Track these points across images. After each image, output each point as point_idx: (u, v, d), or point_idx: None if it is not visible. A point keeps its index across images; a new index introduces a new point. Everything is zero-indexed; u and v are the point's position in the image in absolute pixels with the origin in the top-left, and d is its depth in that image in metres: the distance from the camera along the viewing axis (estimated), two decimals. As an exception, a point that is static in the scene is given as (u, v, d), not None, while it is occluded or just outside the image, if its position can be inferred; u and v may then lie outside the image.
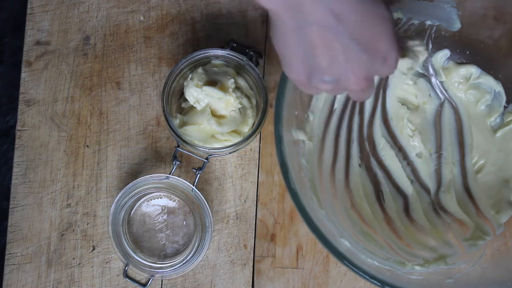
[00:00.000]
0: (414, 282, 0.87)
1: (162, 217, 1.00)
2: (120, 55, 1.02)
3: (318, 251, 0.99)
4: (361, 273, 0.79)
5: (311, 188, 0.89)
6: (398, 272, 0.87)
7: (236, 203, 1.00)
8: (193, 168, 0.99)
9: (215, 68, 0.97)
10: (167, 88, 0.95)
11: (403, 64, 0.87)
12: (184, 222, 0.99)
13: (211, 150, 0.95)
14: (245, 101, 0.96)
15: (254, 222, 1.00)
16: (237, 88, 0.96)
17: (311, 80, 0.73)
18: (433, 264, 0.90)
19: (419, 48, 0.85)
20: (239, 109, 0.95)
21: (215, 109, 0.95)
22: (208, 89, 0.93)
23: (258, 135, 1.01)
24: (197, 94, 0.94)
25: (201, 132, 0.95)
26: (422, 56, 0.86)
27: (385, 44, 0.72)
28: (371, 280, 0.79)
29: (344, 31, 0.69)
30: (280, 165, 0.80)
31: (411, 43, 0.85)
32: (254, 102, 0.97)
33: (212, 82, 0.95)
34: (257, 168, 1.01)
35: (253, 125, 0.97)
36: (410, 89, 0.98)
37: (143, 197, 0.99)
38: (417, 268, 0.89)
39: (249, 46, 0.99)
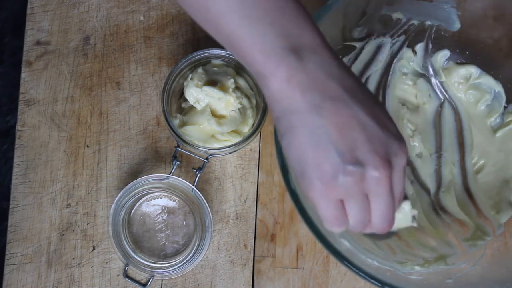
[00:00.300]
0: (414, 282, 0.87)
1: (162, 217, 1.00)
2: (120, 55, 1.02)
3: (318, 251, 0.99)
4: (360, 273, 0.79)
5: (310, 188, 0.89)
6: (398, 272, 0.87)
7: (236, 203, 1.00)
8: (193, 168, 0.99)
9: (215, 68, 0.97)
10: (167, 88, 0.95)
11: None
12: (184, 222, 0.99)
13: (211, 150, 0.95)
14: (245, 101, 0.96)
15: (254, 222, 1.00)
16: (237, 88, 0.96)
17: (337, 177, 0.68)
18: (433, 264, 0.90)
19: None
20: (239, 109, 0.95)
21: (215, 109, 0.95)
22: (208, 89, 0.93)
23: (258, 135, 1.01)
24: (197, 94, 0.94)
25: (201, 132, 0.95)
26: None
27: (393, 125, 0.71)
28: (371, 280, 0.79)
29: (358, 106, 0.68)
30: (280, 166, 0.80)
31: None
32: (254, 102, 0.97)
33: (212, 82, 0.95)
34: (257, 168, 1.01)
35: (253, 125, 0.97)
36: (410, 89, 0.98)
37: (143, 197, 0.99)
38: (417, 268, 0.89)
39: (249, 46, 0.99)
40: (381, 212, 0.71)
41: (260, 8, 0.68)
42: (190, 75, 0.95)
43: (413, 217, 0.79)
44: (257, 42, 0.69)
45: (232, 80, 0.95)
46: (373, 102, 0.70)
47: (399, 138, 0.70)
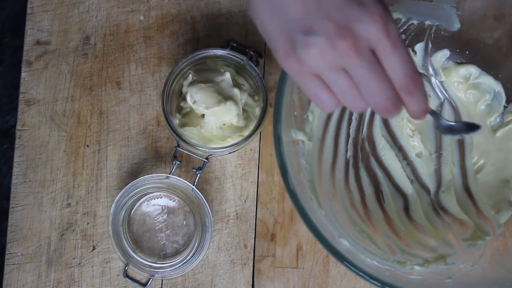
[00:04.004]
0: (414, 282, 0.87)
1: (162, 217, 1.00)
2: (120, 55, 1.02)
3: (318, 251, 0.99)
4: (360, 273, 0.79)
5: (310, 188, 0.89)
6: (397, 272, 0.87)
7: (236, 203, 1.00)
8: (193, 168, 0.99)
9: (210, 65, 0.97)
10: (167, 88, 0.95)
11: None
12: (184, 222, 0.99)
13: (211, 150, 0.95)
14: (249, 99, 0.96)
15: (254, 222, 1.00)
16: (238, 87, 0.96)
17: (296, 49, 0.63)
18: (433, 264, 0.90)
19: None
20: (243, 111, 0.96)
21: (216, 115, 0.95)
22: (212, 109, 0.94)
23: (258, 135, 1.01)
24: (197, 106, 0.94)
25: (201, 133, 0.95)
26: None
27: None
28: (371, 280, 0.79)
29: None
30: (279, 165, 0.80)
31: None
32: (260, 98, 0.96)
33: (206, 80, 0.95)
34: (257, 168, 1.01)
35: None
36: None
37: (143, 197, 0.99)
38: (417, 268, 0.89)
39: (249, 46, 0.99)
40: (368, 90, 0.65)
41: None
42: (187, 84, 0.95)
43: None
44: None
45: (228, 74, 0.95)
46: None
47: (367, 4, 0.62)
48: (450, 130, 0.79)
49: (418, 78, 0.65)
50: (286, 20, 0.64)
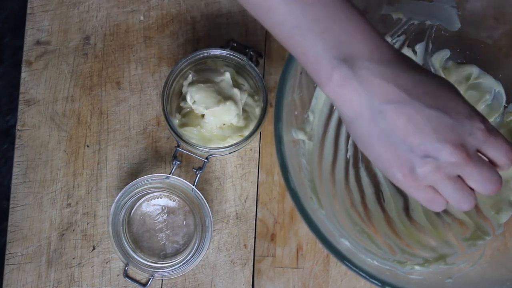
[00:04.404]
0: (414, 281, 0.87)
1: (162, 217, 1.00)
2: (120, 55, 1.02)
3: (318, 251, 0.99)
4: (361, 272, 0.79)
5: (310, 188, 0.89)
6: (397, 271, 0.87)
7: (236, 203, 1.00)
8: (193, 168, 0.99)
9: (210, 65, 0.97)
10: (167, 88, 0.95)
11: None
12: (184, 222, 0.99)
13: (211, 150, 0.95)
14: (249, 99, 0.96)
15: (254, 222, 1.00)
16: (238, 87, 0.96)
17: (415, 171, 0.72)
18: (433, 264, 0.90)
19: None
20: (243, 111, 0.96)
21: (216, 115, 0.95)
22: (212, 109, 0.94)
23: (258, 135, 1.01)
24: (196, 107, 0.94)
25: (201, 133, 0.95)
26: None
27: (462, 105, 0.72)
28: (371, 280, 0.79)
29: (418, 102, 0.69)
30: (280, 165, 0.80)
31: None
32: (260, 98, 0.96)
33: (206, 80, 0.95)
34: (257, 168, 1.01)
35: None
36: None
37: (143, 197, 0.99)
38: (417, 267, 0.89)
39: (249, 46, 0.99)
40: (482, 182, 0.74)
41: (309, 17, 0.70)
42: (187, 84, 0.95)
43: None
44: (308, 51, 0.71)
45: (228, 74, 0.95)
46: (436, 91, 0.71)
47: (470, 116, 0.72)
48: None
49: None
50: (403, 150, 0.71)
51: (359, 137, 0.73)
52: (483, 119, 0.73)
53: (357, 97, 0.70)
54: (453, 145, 0.70)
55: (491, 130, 0.73)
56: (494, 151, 0.74)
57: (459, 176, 0.73)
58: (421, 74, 0.72)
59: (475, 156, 0.72)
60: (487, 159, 0.75)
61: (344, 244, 0.86)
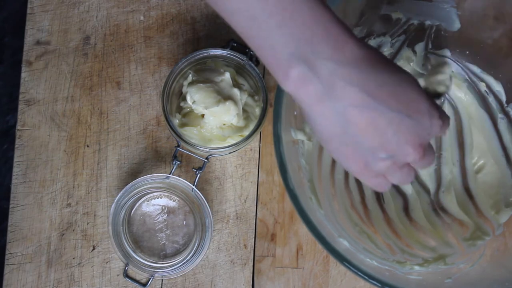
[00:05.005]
0: (413, 282, 0.87)
1: (162, 217, 1.00)
2: (120, 55, 1.02)
3: (318, 251, 0.99)
4: (360, 273, 0.79)
5: (310, 188, 0.89)
6: (397, 272, 0.87)
7: (236, 203, 1.00)
8: (193, 168, 0.99)
9: (211, 65, 0.97)
10: (167, 87, 0.95)
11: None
12: (184, 222, 0.99)
13: (211, 150, 0.95)
14: (249, 100, 0.96)
15: (254, 222, 1.00)
16: (238, 87, 0.96)
17: (370, 165, 0.72)
18: (432, 264, 0.90)
19: (445, 78, 0.85)
20: (243, 111, 0.96)
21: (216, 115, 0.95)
22: (212, 109, 0.94)
23: (258, 135, 1.01)
24: (196, 106, 0.94)
25: (201, 133, 0.95)
26: (451, 83, 0.86)
27: (423, 103, 0.71)
28: (370, 280, 0.79)
29: (382, 105, 0.68)
30: (279, 165, 0.80)
31: (438, 77, 0.85)
32: (260, 98, 0.96)
33: (206, 80, 0.95)
34: (257, 167, 1.01)
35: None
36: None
37: (143, 196, 0.99)
38: (416, 268, 0.89)
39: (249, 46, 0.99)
40: (421, 167, 0.77)
41: (266, 8, 0.66)
42: (187, 83, 0.95)
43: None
44: (264, 46, 0.68)
45: (228, 74, 0.95)
46: (399, 91, 0.70)
47: (430, 114, 0.71)
48: None
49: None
50: (361, 149, 0.71)
51: (317, 132, 0.72)
52: (441, 114, 0.73)
53: (316, 97, 0.68)
54: (412, 146, 0.71)
55: (446, 123, 0.74)
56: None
57: None
58: (385, 73, 0.69)
59: (428, 149, 0.74)
60: None
61: (343, 244, 0.86)
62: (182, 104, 0.96)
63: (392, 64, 0.71)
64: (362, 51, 0.68)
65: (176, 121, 0.96)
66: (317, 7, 0.67)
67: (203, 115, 0.95)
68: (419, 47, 0.97)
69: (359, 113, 0.68)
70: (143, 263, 0.97)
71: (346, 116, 0.68)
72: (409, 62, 0.98)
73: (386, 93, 0.69)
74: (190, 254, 0.96)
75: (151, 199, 1.00)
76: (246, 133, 0.96)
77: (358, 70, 0.68)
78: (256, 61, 0.99)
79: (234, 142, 0.95)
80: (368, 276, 0.79)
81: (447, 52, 0.97)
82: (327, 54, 0.67)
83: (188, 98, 0.94)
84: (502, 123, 0.96)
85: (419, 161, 0.73)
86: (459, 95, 0.98)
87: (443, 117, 0.74)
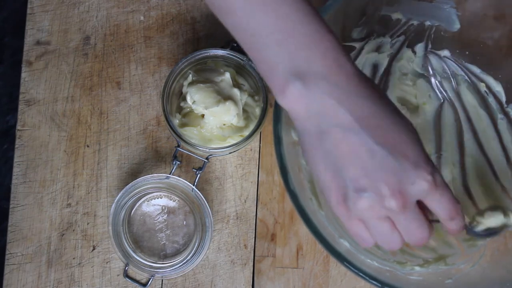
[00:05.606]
0: (414, 282, 0.87)
1: (162, 217, 1.00)
2: (120, 55, 1.02)
3: (318, 251, 0.99)
4: (360, 273, 0.79)
5: (310, 189, 0.89)
6: (397, 272, 0.87)
7: (236, 203, 1.00)
8: (193, 168, 0.99)
9: (211, 65, 0.97)
10: (167, 88, 0.95)
11: (491, 222, 0.80)
12: (184, 222, 0.99)
13: (211, 150, 0.95)
14: (249, 100, 0.96)
15: (254, 222, 1.00)
16: (239, 87, 0.96)
17: (348, 201, 0.70)
18: (433, 264, 0.90)
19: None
20: (243, 111, 0.96)
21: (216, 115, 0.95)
22: (212, 109, 0.94)
23: (258, 135, 1.01)
24: (196, 106, 0.94)
25: (201, 133, 0.95)
26: None
27: (413, 151, 0.69)
28: (371, 280, 0.79)
29: (367, 134, 0.68)
30: (279, 166, 0.80)
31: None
32: (260, 98, 0.96)
33: (206, 80, 0.95)
34: (257, 167, 1.01)
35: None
36: (410, 89, 0.98)
37: (143, 197, 0.99)
38: (417, 268, 0.89)
39: (249, 46, 0.99)
40: (408, 233, 0.73)
41: (267, 26, 0.68)
42: (187, 83, 0.95)
43: None
44: (264, 60, 0.69)
45: (228, 74, 0.95)
46: (390, 128, 0.69)
47: (418, 165, 0.69)
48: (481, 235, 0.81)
49: (459, 207, 0.74)
50: (342, 177, 0.69)
51: (305, 151, 0.72)
52: (433, 171, 0.70)
53: (307, 114, 0.68)
54: (391, 190, 0.68)
55: (439, 185, 0.71)
56: (437, 207, 0.72)
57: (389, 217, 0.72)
58: (380, 106, 0.69)
59: (411, 207, 0.71)
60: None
61: (344, 245, 0.86)
62: (182, 104, 0.96)
63: (390, 102, 0.71)
64: (358, 78, 0.69)
65: (176, 121, 0.96)
66: (319, 28, 0.69)
67: (203, 115, 0.95)
68: (419, 47, 0.97)
69: (342, 135, 0.68)
70: (143, 263, 0.97)
71: (329, 136, 0.68)
72: (409, 63, 0.98)
73: (375, 124, 0.68)
74: (190, 254, 0.96)
75: (151, 199, 1.00)
76: (246, 133, 0.96)
77: (350, 93, 0.68)
78: (256, 61, 0.99)
79: (234, 142, 0.95)
80: (368, 277, 0.79)
81: (447, 53, 0.97)
82: (322, 74, 0.67)
83: (188, 98, 0.94)
84: (502, 124, 0.96)
85: (398, 214, 0.70)
86: (459, 95, 0.98)
87: (436, 175, 0.71)
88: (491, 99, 0.97)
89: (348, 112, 0.67)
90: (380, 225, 0.72)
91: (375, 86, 0.70)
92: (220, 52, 0.96)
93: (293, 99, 0.68)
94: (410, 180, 0.69)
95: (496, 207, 0.79)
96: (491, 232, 0.79)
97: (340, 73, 0.68)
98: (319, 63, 0.68)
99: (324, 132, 0.68)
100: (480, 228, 0.78)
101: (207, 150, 0.95)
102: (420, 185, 0.69)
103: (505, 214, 0.78)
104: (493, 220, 0.78)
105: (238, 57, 0.96)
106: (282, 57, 0.68)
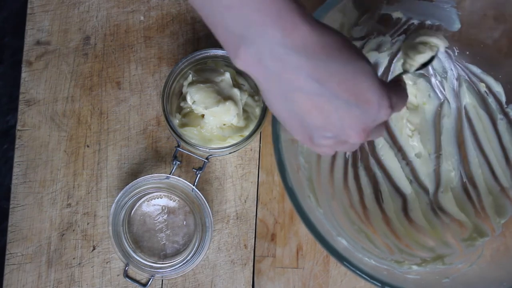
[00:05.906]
0: (411, 281, 0.87)
1: (162, 217, 1.00)
2: (120, 55, 1.02)
3: (318, 251, 0.99)
4: (358, 272, 0.79)
5: (308, 187, 0.89)
6: (395, 271, 0.87)
7: (236, 203, 1.00)
8: (193, 168, 0.99)
9: (211, 65, 0.97)
10: (167, 88, 0.95)
11: (421, 59, 0.85)
12: (184, 222, 0.99)
13: (211, 150, 0.95)
14: (249, 100, 0.96)
15: (254, 222, 1.00)
16: (238, 87, 0.96)
17: (313, 139, 0.72)
18: (431, 263, 0.90)
19: (433, 40, 0.85)
20: (243, 111, 0.96)
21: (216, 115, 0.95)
22: (212, 109, 0.94)
23: (258, 135, 1.01)
24: (196, 106, 0.94)
25: (201, 133, 0.95)
26: (441, 45, 0.85)
27: (374, 94, 0.70)
28: (370, 279, 0.79)
29: (330, 92, 0.68)
30: (277, 163, 0.80)
31: (423, 38, 0.85)
32: (260, 98, 0.96)
33: (206, 80, 0.95)
34: (257, 168, 1.01)
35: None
36: (410, 89, 0.98)
37: (143, 197, 0.99)
38: (414, 267, 0.89)
39: (249, 46, 0.99)
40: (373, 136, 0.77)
41: None
42: (187, 83, 0.95)
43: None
44: (217, 24, 0.68)
45: (228, 74, 0.95)
46: (351, 80, 0.69)
47: (380, 104, 0.71)
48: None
49: (406, 91, 0.79)
50: (305, 124, 0.70)
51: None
52: (391, 98, 0.72)
53: (265, 78, 0.68)
54: (355, 131, 0.71)
55: (397, 101, 0.74)
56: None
57: None
58: (338, 61, 0.68)
59: (374, 130, 0.74)
60: None
61: (342, 243, 0.86)
62: (182, 104, 0.96)
63: (350, 52, 0.70)
64: (315, 38, 0.67)
65: (176, 121, 0.96)
66: None
67: (203, 115, 0.95)
68: (419, 47, 0.97)
69: (305, 97, 0.68)
70: (143, 263, 0.97)
71: (292, 99, 0.68)
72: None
73: (336, 81, 0.68)
74: (190, 254, 0.96)
75: (151, 199, 1.00)
76: (246, 133, 0.96)
77: (308, 56, 0.67)
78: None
79: (234, 142, 0.95)
80: (366, 275, 0.79)
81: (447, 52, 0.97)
82: (276, 39, 0.66)
83: (188, 98, 0.94)
84: (502, 124, 0.96)
85: (362, 142, 0.74)
86: (459, 96, 0.98)
87: (397, 103, 0.74)
88: (491, 99, 0.97)
89: (307, 76, 0.67)
90: (343, 146, 0.75)
91: (334, 39, 0.69)
92: (220, 52, 0.96)
93: (248, 62, 0.67)
94: (372, 118, 0.71)
95: (424, 44, 0.85)
96: (424, 65, 0.85)
97: (297, 36, 0.67)
98: (274, 27, 0.66)
99: (285, 94, 0.68)
100: (413, 68, 0.85)
101: (207, 150, 0.95)
102: (382, 118, 0.72)
103: (432, 49, 0.84)
104: (422, 57, 0.84)
105: (238, 57, 0.96)
106: (234, 21, 0.66)
